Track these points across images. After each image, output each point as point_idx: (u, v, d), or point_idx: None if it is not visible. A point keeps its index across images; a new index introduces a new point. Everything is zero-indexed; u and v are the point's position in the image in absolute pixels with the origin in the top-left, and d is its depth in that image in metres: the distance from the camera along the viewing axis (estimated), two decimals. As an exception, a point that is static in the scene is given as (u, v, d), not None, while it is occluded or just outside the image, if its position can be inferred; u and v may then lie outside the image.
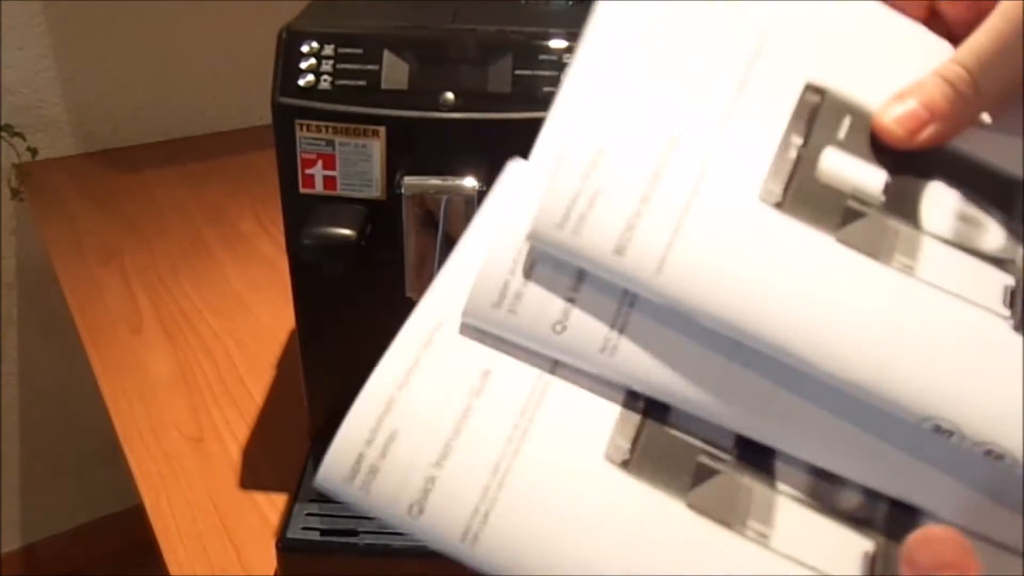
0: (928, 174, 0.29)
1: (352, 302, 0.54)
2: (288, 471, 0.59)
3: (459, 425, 0.27)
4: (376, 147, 0.47)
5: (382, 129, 0.47)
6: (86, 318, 0.82)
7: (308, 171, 0.48)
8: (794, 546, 0.26)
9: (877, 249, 0.27)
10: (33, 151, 1.18)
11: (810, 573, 0.25)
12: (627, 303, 0.27)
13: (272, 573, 0.54)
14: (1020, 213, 0.28)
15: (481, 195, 0.46)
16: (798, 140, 0.29)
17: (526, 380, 0.27)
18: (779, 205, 0.28)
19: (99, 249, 0.95)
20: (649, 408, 0.27)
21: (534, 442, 0.27)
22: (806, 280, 0.26)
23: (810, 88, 0.29)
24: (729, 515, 0.26)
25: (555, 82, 0.47)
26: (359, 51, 0.47)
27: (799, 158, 0.28)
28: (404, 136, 0.47)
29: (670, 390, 0.27)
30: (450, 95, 0.46)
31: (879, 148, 0.29)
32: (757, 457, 0.27)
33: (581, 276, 0.28)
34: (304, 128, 0.47)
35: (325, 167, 0.48)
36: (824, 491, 0.27)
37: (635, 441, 0.27)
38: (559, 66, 0.47)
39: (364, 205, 0.48)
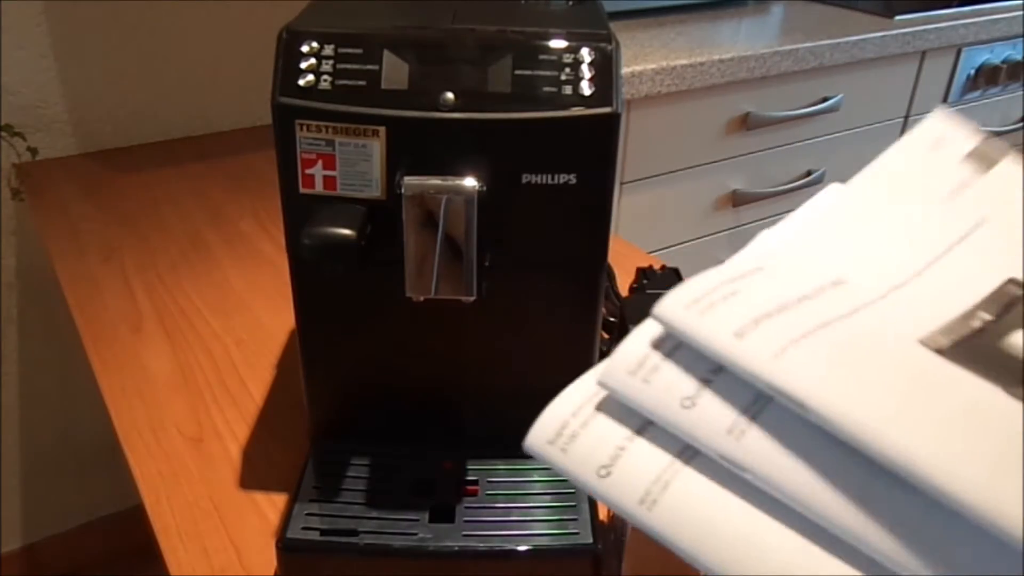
0: None
1: (352, 302, 0.54)
2: (288, 471, 0.59)
3: (799, 300, 0.27)
4: (376, 147, 0.47)
5: (382, 129, 0.47)
6: (86, 318, 0.82)
7: (308, 171, 0.48)
8: None
9: None
10: (33, 151, 1.18)
11: None
12: (768, 395, 0.26)
13: (272, 573, 0.54)
14: None
15: (481, 195, 0.46)
16: (987, 316, 0.26)
17: (870, 291, 0.27)
18: (941, 352, 0.25)
19: (99, 249, 0.95)
20: (983, 330, 0.25)
21: (848, 324, 0.26)
22: (961, 417, 0.23)
23: (1012, 282, 0.27)
24: None
25: (555, 82, 0.47)
26: (359, 51, 0.47)
27: (983, 329, 0.25)
28: (404, 136, 0.47)
29: (796, 491, 0.24)
30: (450, 95, 0.46)
31: None
32: None
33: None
34: (304, 128, 0.47)
35: (325, 167, 0.48)
36: None
37: (956, 343, 0.25)
38: (559, 66, 0.47)
39: (364, 205, 0.48)
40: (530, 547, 0.51)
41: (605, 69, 0.47)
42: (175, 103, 1.26)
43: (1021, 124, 1.67)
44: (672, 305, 0.27)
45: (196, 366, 0.75)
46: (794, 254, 0.29)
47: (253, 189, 1.09)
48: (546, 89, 0.46)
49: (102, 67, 1.19)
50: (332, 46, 0.47)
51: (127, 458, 0.65)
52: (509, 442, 0.57)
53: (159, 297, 0.86)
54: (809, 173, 1.48)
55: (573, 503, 0.54)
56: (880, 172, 0.32)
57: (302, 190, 0.48)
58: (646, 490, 0.26)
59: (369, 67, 0.47)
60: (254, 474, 0.63)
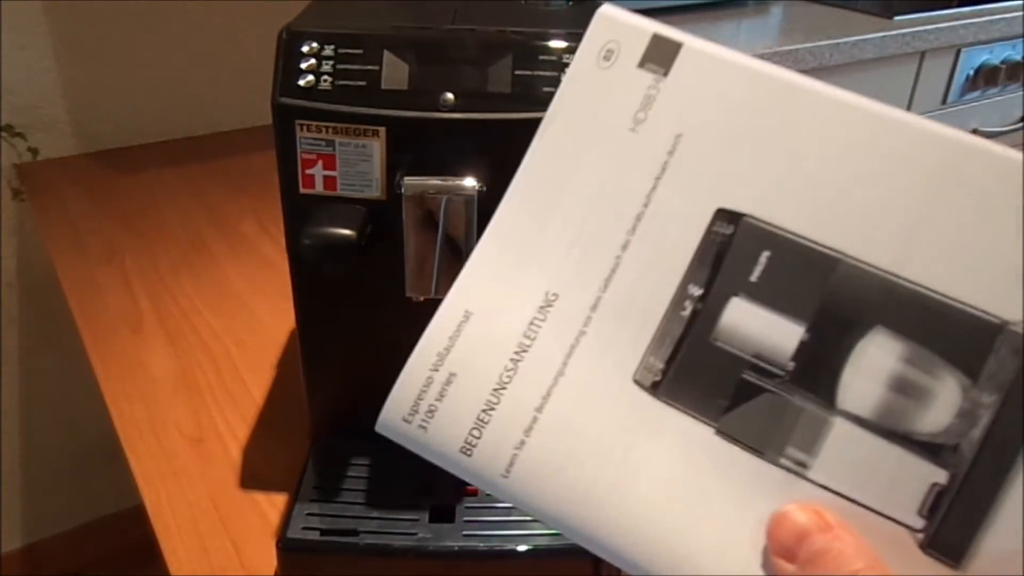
0: (864, 322, 0.22)
1: (352, 302, 0.54)
2: (288, 471, 0.59)
3: (513, 363, 0.25)
4: (376, 147, 0.47)
5: (382, 129, 0.47)
6: (86, 318, 0.82)
7: (308, 171, 0.48)
8: (837, 476, 0.22)
9: (766, 440, 0.23)
10: (34, 151, 1.18)
11: (849, 505, 0.22)
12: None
13: (272, 573, 0.54)
14: (988, 374, 0.21)
15: (481, 195, 0.46)
16: (697, 291, 0.24)
17: (583, 302, 0.25)
18: (656, 386, 0.24)
19: (100, 249, 0.95)
20: (695, 317, 0.24)
21: (573, 374, 0.25)
22: (664, 499, 0.23)
23: (722, 215, 0.24)
24: (765, 441, 0.23)
25: (555, 82, 0.47)
26: (359, 51, 0.47)
27: (695, 315, 0.24)
28: (404, 136, 0.47)
29: (566, 520, 0.25)
30: (450, 95, 0.46)
31: (801, 292, 0.23)
32: (820, 372, 0.22)
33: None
34: (304, 128, 0.47)
35: (325, 167, 0.48)
36: (900, 409, 0.22)
37: (671, 358, 0.24)
38: (559, 66, 0.47)
39: (364, 205, 0.48)
40: (530, 547, 0.51)
41: (605, 69, 0.47)
42: (175, 103, 1.26)
43: (1021, 124, 1.67)
44: (392, 419, 0.26)
45: (196, 366, 0.76)
46: (495, 280, 0.26)
47: (253, 190, 1.09)
48: (546, 89, 0.46)
49: (102, 67, 1.19)
50: (332, 46, 0.47)
51: (127, 458, 0.65)
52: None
53: (160, 297, 0.86)
54: (809, 173, 1.48)
55: (573, 503, 0.54)
56: (557, 122, 0.27)
57: (302, 190, 0.48)
58: (509, 460, 0.24)
59: (369, 67, 0.47)
60: (254, 474, 0.63)
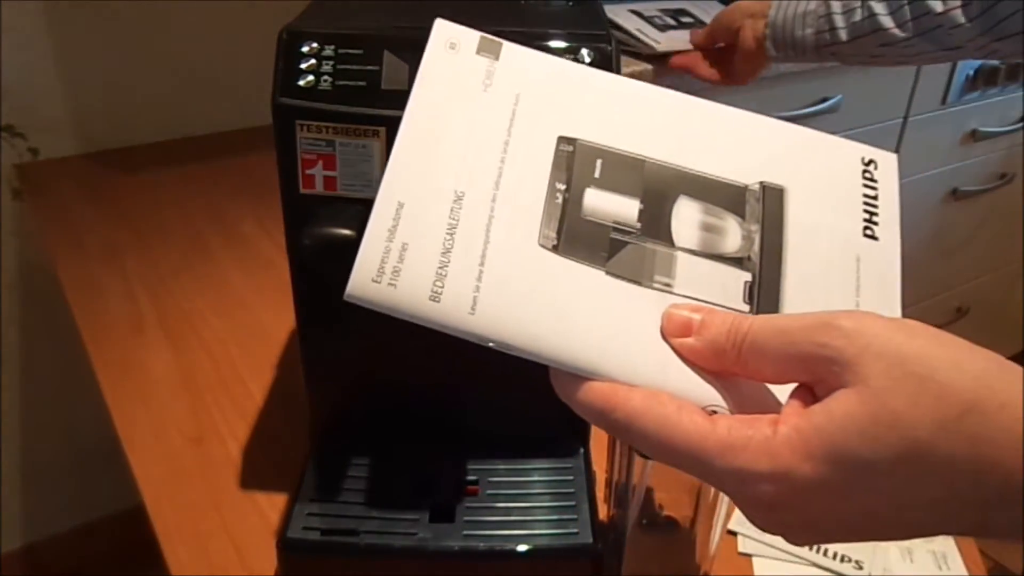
0: (672, 195, 0.35)
1: (352, 302, 0.54)
2: (288, 471, 0.59)
3: (449, 235, 0.33)
4: (376, 147, 0.47)
5: (382, 129, 0.47)
6: (87, 318, 0.82)
7: (308, 171, 0.48)
8: (691, 287, 0.34)
9: (639, 274, 0.33)
10: (34, 151, 1.18)
11: (705, 304, 0.33)
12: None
13: (273, 573, 0.54)
14: (748, 214, 0.35)
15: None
16: (562, 186, 0.34)
17: (484, 196, 0.34)
18: (555, 248, 0.33)
19: (100, 249, 0.95)
20: (566, 202, 0.34)
21: (496, 241, 0.33)
22: (587, 318, 0.32)
23: (562, 140, 0.35)
24: (639, 275, 0.33)
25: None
26: (359, 51, 0.47)
27: (566, 201, 0.34)
28: (404, 136, 0.47)
29: (531, 346, 0.32)
30: (450, 95, 0.46)
31: (628, 181, 0.35)
32: (658, 226, 0.34)
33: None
34: (304, 128, 0.47)
35: (325, 167, 0.48)
36: (711, 241, 0.34)
37: (559, 230, 0.34)
38: (559, 66, 0.47)
39: (364, 205, 0.48)
40: (530, 547, 0.51)
41: (604, 69, 0.47)
42: (175, 103, 1.26)
43: (1020, 124, 1.67)
44: (361, 284, 0.32)
45: (197, 367, 0.76)
46: (417, 177, 0.34)
47: (254, 190, 1.09)
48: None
49: (102, 67, 1.19)
50: (332, 46, 0.47)
51: (128, 458, 0.65)
52: (509, 442, 0.58)
53: (160, 298, 0.86)
54: (809, 173, 1.48)
55: (573, 503, 0.54)
56: (425, 85, 0.35)
57: (302, 190, 0.48)
58: (471, 300, 0.32)
59: (369, 67, 0.47)
60: (254, 474, 0.63)
